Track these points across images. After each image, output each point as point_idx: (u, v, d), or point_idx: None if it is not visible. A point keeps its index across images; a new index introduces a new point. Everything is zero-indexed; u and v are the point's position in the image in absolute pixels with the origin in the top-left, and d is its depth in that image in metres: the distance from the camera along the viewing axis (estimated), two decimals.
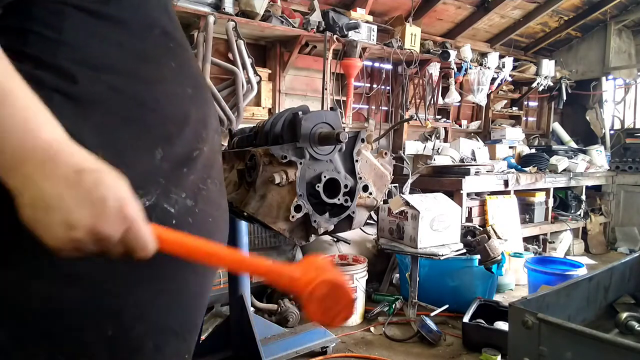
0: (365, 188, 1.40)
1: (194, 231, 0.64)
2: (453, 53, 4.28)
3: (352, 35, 3.62)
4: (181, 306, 0.68)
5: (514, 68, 5.06)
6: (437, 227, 2.83)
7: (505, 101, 5.67)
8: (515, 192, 4.33)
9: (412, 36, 4.08)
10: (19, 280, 0.52)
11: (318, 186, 1.30)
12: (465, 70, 4.48)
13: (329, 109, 1.40)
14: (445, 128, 4.85)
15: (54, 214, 0.46)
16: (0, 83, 0.46)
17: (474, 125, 5.38)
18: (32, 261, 0.52)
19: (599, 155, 5.42)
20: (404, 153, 4.35)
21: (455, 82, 4.51)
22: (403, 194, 3.41)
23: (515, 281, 3.78)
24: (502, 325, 2.48)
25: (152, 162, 0.61)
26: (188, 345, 0.72)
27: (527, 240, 4.53)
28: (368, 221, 3.20)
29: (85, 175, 0.48)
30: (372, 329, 2.85)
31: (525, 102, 5.98)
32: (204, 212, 0.68)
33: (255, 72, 3.16)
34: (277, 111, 3.64)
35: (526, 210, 4.61)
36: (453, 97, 4.57)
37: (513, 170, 4.49)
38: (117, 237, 0.50)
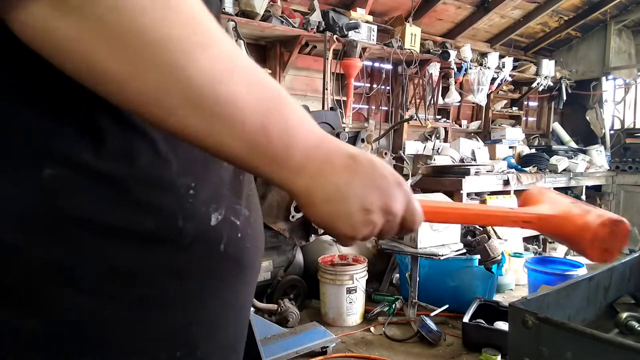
0: None
1: (252, 243, 0.61)
2: (453, 53, 4.28)
3: (352, 35, 3.62)
4: (238, 320, 0.65)
5: (514, 68, 5.06)
6: (437, 227, 2.83)
7: (505, 101, 5.67)
8: (515, 192, 4.33)
9: (412, 36, 4.08)
10: (92, 306, 0.48)
11: None
12: (465, 70, 4.48)
13: (329, 109, 1.40)
14: (445, 128, 4.85)
15: (351, 203, 0.47)
16: (273, 83, 0.45)
17: (474, 125, 5.38)
18: (104, 285, 0.48)
19: (599, 155, 5.42)
20: (404, 153, 4.34)
21: (455, 82, 4.51)
22: None
23: (515, 281, 3.78)
24: (502, 325, 2.48)
25: (218, 173, 0.57)
26: (241, 358, 0.70)
27: (527, 240, 4.53)
28: None
29: (358, 159, 0.48)
30: (372, 329, 2.85)
31: (525, 102, 5.98)
32: (255, 222, 0.64)
33: None
34: None
35: None
36: (453, 97, 4.57)
37: (513, 170, 4.48)
38: (403, 211, 0.51)
